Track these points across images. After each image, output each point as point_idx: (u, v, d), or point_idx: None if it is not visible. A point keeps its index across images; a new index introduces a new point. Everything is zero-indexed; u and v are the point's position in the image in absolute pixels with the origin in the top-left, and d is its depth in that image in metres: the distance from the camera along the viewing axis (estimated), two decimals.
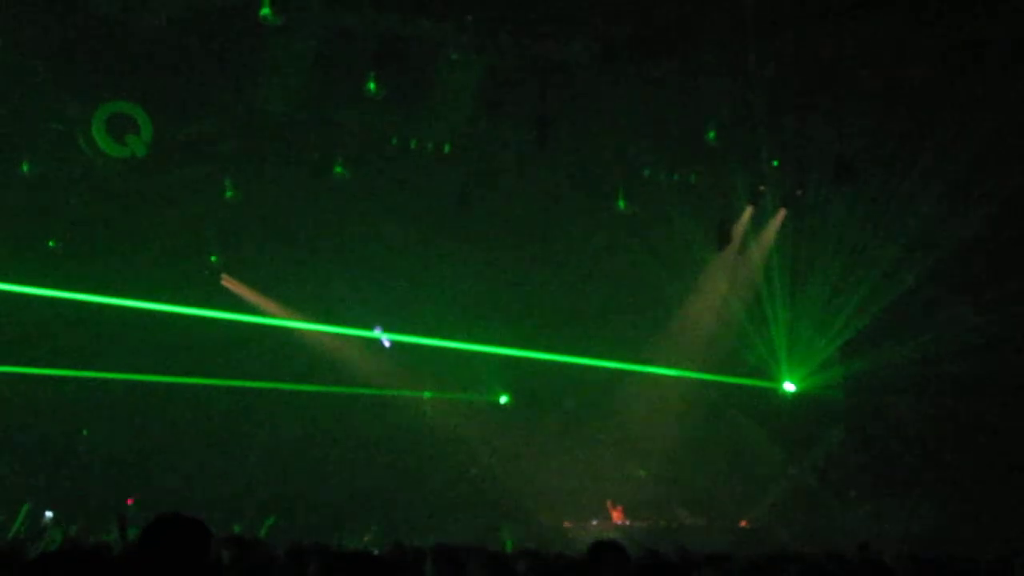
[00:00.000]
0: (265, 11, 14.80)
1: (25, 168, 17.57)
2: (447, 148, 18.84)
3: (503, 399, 24.61)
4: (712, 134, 18.05)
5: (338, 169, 18.82)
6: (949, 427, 20.89)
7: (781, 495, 23.53)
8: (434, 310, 21.95)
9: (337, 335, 22.64)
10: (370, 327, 22.55)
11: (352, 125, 18.21)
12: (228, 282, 21.92)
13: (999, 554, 11.74)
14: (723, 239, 20.70)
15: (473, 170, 19.30)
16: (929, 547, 16.40)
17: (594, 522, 23.15)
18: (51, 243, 20.19)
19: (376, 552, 11.74)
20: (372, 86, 16.80)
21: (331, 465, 22.38)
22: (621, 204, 20.00)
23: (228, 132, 17.98)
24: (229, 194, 19.15)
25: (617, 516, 23.19)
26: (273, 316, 21.87)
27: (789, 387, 23.39)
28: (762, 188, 20.29)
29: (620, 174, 19.67)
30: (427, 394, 23.82)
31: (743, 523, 23.10)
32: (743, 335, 22.78)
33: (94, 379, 20.77)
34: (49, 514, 20.50)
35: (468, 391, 24.06)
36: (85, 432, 21.70)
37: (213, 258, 21.61)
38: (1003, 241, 18.98)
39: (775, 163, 19.16)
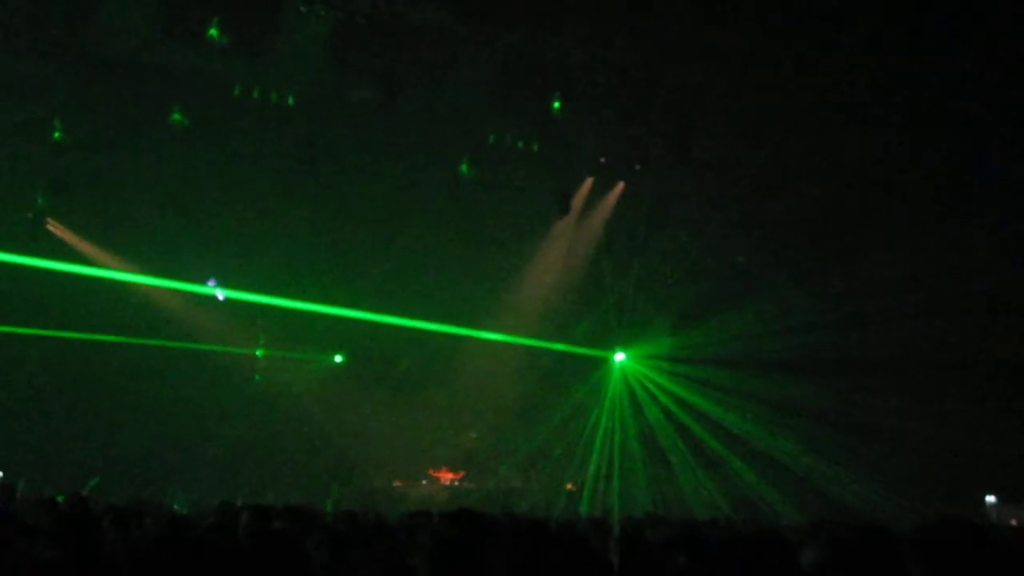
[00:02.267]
0: None
1: None
2: (291, 100, 18.53)
3: (337, 358, 24.48)
4: (557, 104, 18.27)
5: (176, 116, 18.29)
6: (765, 403, 21.82)
7: (606, 460, 24.20)
8: (270, 265, 21.56)
9: (168, 287, 21.98)
10: (204, 280, 22.01)
11: (192, 72, 17.68)
12: (55, 227, 21.02)
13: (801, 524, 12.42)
14: (563, 208, 21.05)
15: (317, 125, 19.02)
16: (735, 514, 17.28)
17: (424, 482, 23.37)
18: None
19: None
20: (214, 32, 16.39)
21: (159, 422, 21.77)
22: (464, 168, 20.10)
23: (61, 72, 17.18)
24: (57, 135, 18.39)
25: (447, 476, 23.46)
26: (101, 265, 21.08)
27: (619, 357, 24.08)
28: (602, 160, 20.66)
29: (465, 139, 19.74)
30: (259, 351, 23.46)
31: (569, 486, 23.69)
32: (579, 304, 23.27)
33: None
34: None
35: (302, 349, 23.80)
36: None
37: (40, 201, 20.65)
38: (831, 221, 19.81)
39: None
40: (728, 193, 20.12)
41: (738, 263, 21.63)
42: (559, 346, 23.75)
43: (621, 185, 21.51)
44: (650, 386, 23.87)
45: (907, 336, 19.02)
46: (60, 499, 12.15)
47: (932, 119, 16.81)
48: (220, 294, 22.42)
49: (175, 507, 14.63)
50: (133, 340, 21.44)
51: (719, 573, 5.74)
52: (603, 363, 24.49)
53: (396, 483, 23.15)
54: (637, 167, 20.73)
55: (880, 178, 18.33)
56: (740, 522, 13.32)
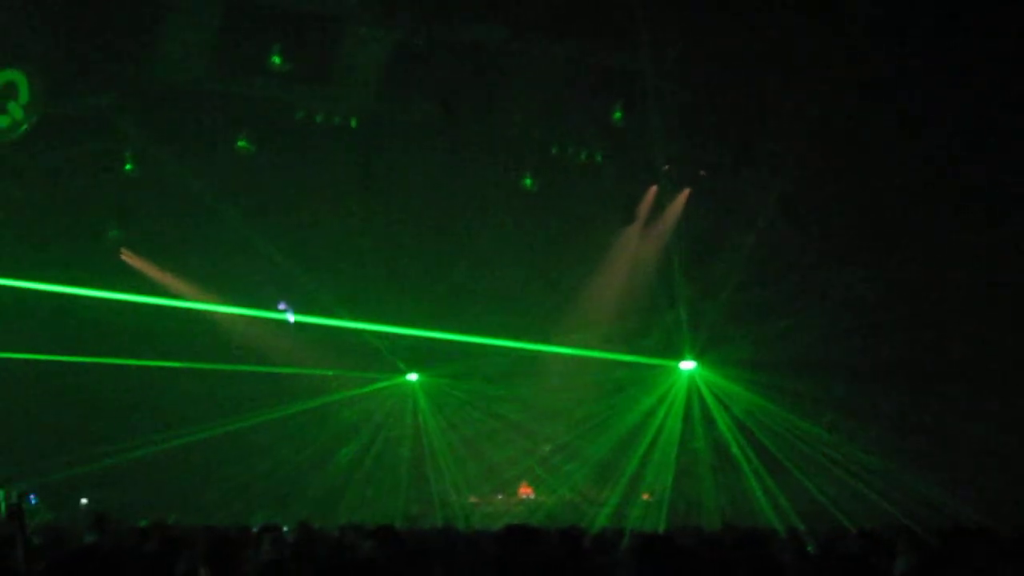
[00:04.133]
0: None
1: None
2: (353, 123, 18.70)
3: (412, 376, 24.58)
4: (618, 113, 18.21)
5: (241, 143, 18.56)
6: (844, 408, 21.47)
7: (682, 469, 23.97)
8: (339, 287, 21.74)
9: (240, 312, 22.27)
10: (274, 304, 22.26)
11: (256, 98, 17.95)
12: (128, 258, 21.42)
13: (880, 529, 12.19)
14: (627, 217, 20.96)
15: (378, 146, 19.17)
16: (818, 523, 16.98)
17: (499, 496, 23.37)
18: None
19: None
20: (276, 59, 16.64)
21: (239, 446, 22.04)
22: (527, 182, 20.11)
23: (127, 105, 17.54)
24: (128, 168, 18.75)
25: (526, 491, 23.43)
26: (175, 293, 21.43)
27: (687, 365, 23.87)
28: (667, 168, 20.52)
29: (526, 152, 19.74)
30: (330, 372, 23.63)
31: (646, 496, 23.50)
32: (646, 314, 23.11)
33: None
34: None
35: (373, 369, 23.95)
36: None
37: (112, 233, 21.06)
38: (904, 220, 19.46)
39: None
40: (796, 195, 19.83)
41: (807, 266, 21.28)
42: (628, 357, 23.58)
43: (686, 192, 21.31)
44: (720, 394, 23.60)
45: (987, 337, 18.61)
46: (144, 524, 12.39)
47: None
48: (291, 317, 22.65)
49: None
50: (205, 366, 21.75)
51: None
52: (672, 372, 24.29)
53: (472, 499, 23.16)
54: (702, 173, 20.56)
55: (956, 174, 17.94)
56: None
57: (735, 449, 23.35)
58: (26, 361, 20.23)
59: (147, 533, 9.11)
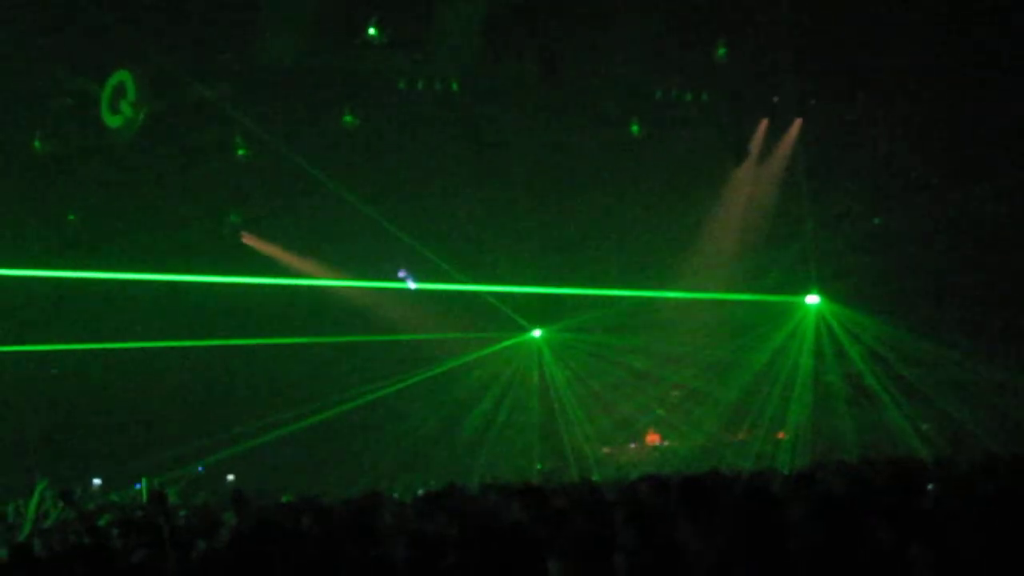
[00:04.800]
0: None
1: (37, 145, 17.57)
2: (454, 86, 18.67)
3: (536, 332, 24.59)
4: (722, 50, 17.77)
5: (347, 118, 18.72)
6: (979, 331, 20.76)
7: (815, 404, 23.57)
8: (456, 251, 21.86)
9: (361, 285, 22.59)
10: (394, 273, 22.53)
11: (357, 72, 18.04)
12: (249, 240, 21.90)
13: None
14: (740, 154, 20.52)
15: (482, 107, 19.11)
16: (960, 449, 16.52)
17: (632, 446, 23.36)
18: (70, 217, 20.21)
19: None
20: (374, 31, 16.67)
21: (371, 417, 22.48)
22: (635, 128, 19.81)
23: (232, 91, 17.82)
24: (241, 152, 19.11)
25: (654, 438, 23.37)
26: (295, 272, 21.85)
27: (813, 299, 23.36)
28: (776, 100, 19.98)
29: (631, 98, 19.44)
30: (455, 335, 23.79)
31: (780, 435, 23.20)
32: (767, 251, 22.67)
33: (130, 350, 20.77)
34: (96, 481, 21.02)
35: (497, 329, 24.04)
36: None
37: (233, 218, 21.56)
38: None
39: None
40: (913, 117, 19.11)
41: (931, 188, 20.54)
42: (751, 296, 23.18)
43: (798, 123, 20.73)
44: (850, 326, 23.07)
45: None
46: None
47: None
48: (412, 284, 22.90)
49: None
50: (336, 339, 22.15)
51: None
52: (798, 308, 23.81)
53: (605, 450, 23.19)
54: (813, 102, 19.95)
55: None
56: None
57: (870, 380, 22.85)
58: (161, 350, 20.92)
59: (297, 509, 9.28)
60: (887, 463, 11.29)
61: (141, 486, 17.63)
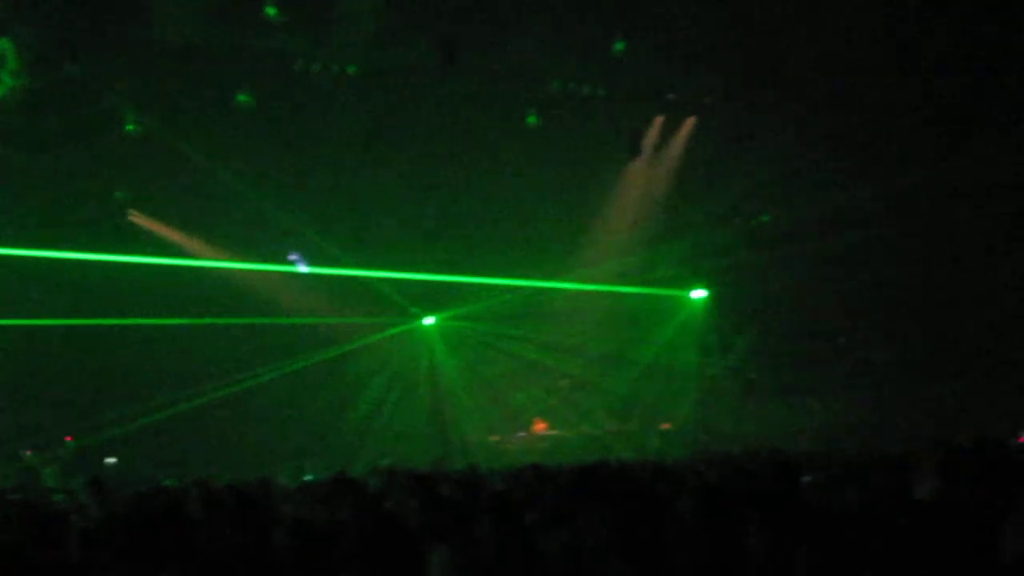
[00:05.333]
0: None
1: None
2: (351, 70, 18.51)
3: (428, 319, 24.58)
4: (620, 45, 17.98)
5: (242, 97, 18.42)
6: (863, 324, 21.49)
7: (700, 397, 24.11)
8: (349, 236, 21.71)
9: (253, 268, 22.25)
10: (285, 256, 22.26)
11: (253, 51, 17.75)
12: (137, 218, 21.38)
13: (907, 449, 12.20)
14: (634, 149, 20.82)
15: (379, 92, 18.99)
16: (840, 443, 17.07)
17: (521, 434, 23.52)
18: None
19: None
20: (272, 11, 16.44)
21: (263, 401, 22.17)
22: (532, 119, 19.94)
23: (125, 66, 17.37)
24: (130, 128, 18.66)
25: (541, 427, 23.58)
26: (185, 252, 21.41)
27: (699, 293, 23.91)
28: (670, 97, 20.31)
29: (529, 89, 19.55)
30: (346, 320, 23.61)
31: (665, 426, 23.66)
32: (658, 245, 23.10)
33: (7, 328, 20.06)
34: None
35: (389, 315, 23.96)
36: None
37: (119, 194, 20.99)
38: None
39: None
40: (805, 117, 19.64)
41: (818, 187, 21.13)
42: (641, 289, 23.60)
43: (692, 120, 21.14)
44: (734, 321, 23.68)
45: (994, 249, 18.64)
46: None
47: None
48: (303, 267, 22.65)
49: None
50: (223, 321, 21.75)
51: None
52: (686, 302, 24.35)
53: (492, 438, 23.33)
54: (707, 100, 20.35)
55: (963, 96, 17.75)
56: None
57: (753, 375, 23.46)
58: (38, 328, 20.29)
59: (180, 493, 9.13)
60: (766, 455, 11.61)
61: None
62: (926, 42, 17.03)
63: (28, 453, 20.14)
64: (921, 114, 18.48)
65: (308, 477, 16.74)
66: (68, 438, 20.67)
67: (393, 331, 24.26)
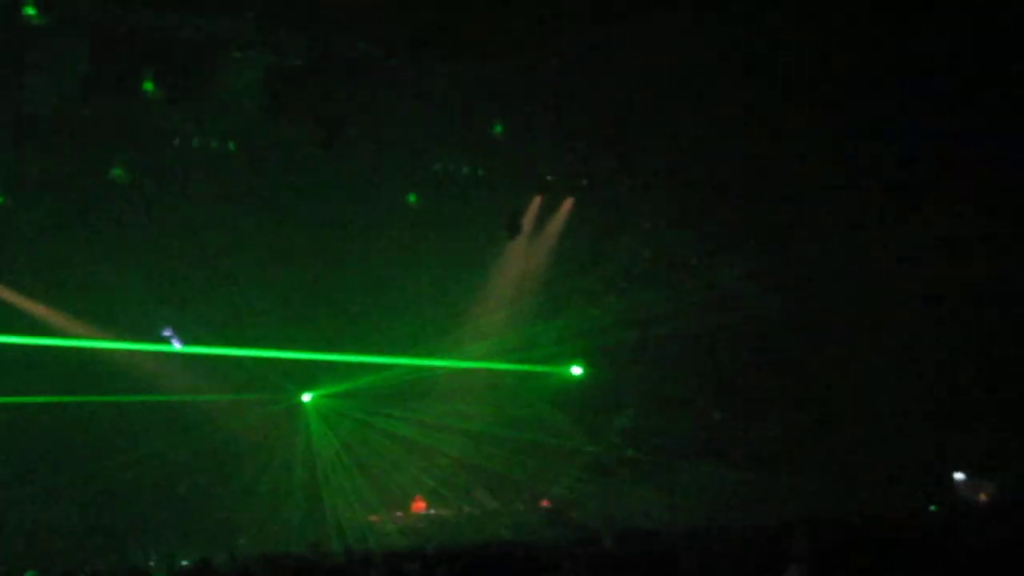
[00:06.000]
0: (30, 10, 14.09)
1: None
2: (232, 147, 18.40)
3: (306, 396, 24.19)
4: (499, 127, 18.34)
5: (117, 171, 18.11)
6: (739, 405, 22.00)
7: (578, 474, 24.22)
8: (224, 312, 21.35)
9: (122, 343, 21.64)
10: (159, 332, 21.74)
11: (130, 125, 17.50)
12: (2, 292, 20.64)
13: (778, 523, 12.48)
14: (513, 229, 21.10)
15: (260, 168, 18.90)
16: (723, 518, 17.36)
17: (399, 513, 23.21)
18: None
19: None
20: (149, 85, 16.28)
21: (128, 481, 21.39)
22: (412, 198, 20.09)
23: None
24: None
25: (420, 506, 23.32)
26: (52, 328, 20.72)
27: (576, 371, 24.19)
28: (549, 178, 20.71)
29: (410, 169, 19.72)
30: (219, 398, 23.06)
31: (545, 503, 23.65)
32: (536, 323, 23.34)
33: None
34: None
35: (264, 391, 23.49)
36: None
37: None
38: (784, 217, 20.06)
39: None
40: (677, 200, 20.28)
41: (689, 266, 21.77)
42: (520, 367, 23.76)
43: (570, 201, 21.59)
44: (611, 400, 23.97)
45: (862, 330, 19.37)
46: None
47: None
48: (177, 344, 22.13)
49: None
50: (89, 399, 21.04)
51: None
52: (565, 377, 24.56)
53: (371, 518, 22.94)
54: (584, 182, 20.83)
55: (828, 173, 18.57)
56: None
57: (630, 453, 23.69)
58: None
59: None
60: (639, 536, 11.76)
61: None
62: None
63: None
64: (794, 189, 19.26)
65: (184, 563, 16.22)
66: None
67: (269, 408, 23.76)
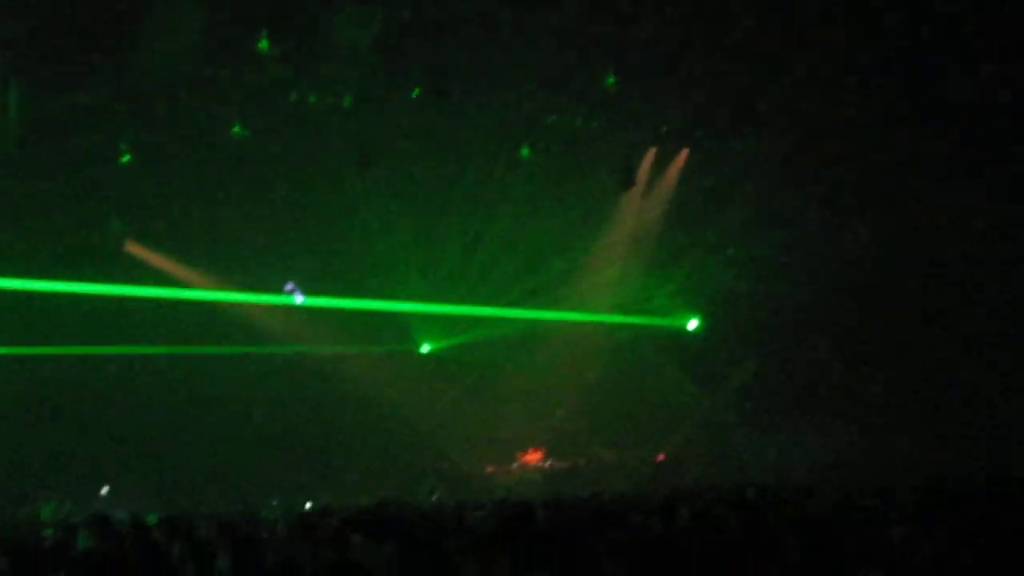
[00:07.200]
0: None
1: None
2: (347, 102, 18.63)
3: (425, 348, 24.50)
4: (611, 79, 18.12)
5: (236, 129, 18.56)
6: (860, 357, 21.49)
7: (695, 428, 24.08)
8: (344, 265, 21.79)
9: (250, 296, 22.31)
10: (281, 287, 22.30)
11: (248, 84, 17.87)
12: (134, 248, 21.44)
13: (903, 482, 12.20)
14: (628, 181, 20.90)
15: (374, 124, 19.11)
16: (836, 476, 17.03)
17: (514, 465, 23.47)
18: None
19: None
20: (264, 44, 16.56)
21: (253, 430, 22.14)
22: (525, 152, 20.06)
23: (119, 98, 17.49)
24: (126, 159, 18.77)
25: (537, 458, 23.53)
26: (182, 281, 21.50)
27: (693, 324, 23.92)
28: (664, 129, 20.41)
29: (523, 123, 19.68)
30: (341, 349, 23.57)
31: (660, 457, 23.62)
32: (651, 275, 23.17)
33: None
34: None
35: (384, 343, 23.91)
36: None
37: (117, 225, 21.07)
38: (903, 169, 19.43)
39: None
40: (794, 153, 19.77)
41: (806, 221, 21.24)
42: (636, 319, 23.66)
43: (685, 152, 21.26)
44: (728, 351, 23.67)
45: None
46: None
47: None
48: (299, 297, 22.66)
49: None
50: (215, 350, 21.80)
51: None
52: (679, 331, 24.33)
53: (488, 469, 23.27)
54: (699, 133, 20.47)
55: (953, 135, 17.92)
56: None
57: (749, 404, 23.43)
58: (38, 358, 20.30)
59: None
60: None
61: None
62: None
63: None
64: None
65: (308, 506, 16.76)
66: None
67: (389, 360, 24.18)
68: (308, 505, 17.15)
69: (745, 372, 23.83)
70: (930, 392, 20.13)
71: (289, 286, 22.49)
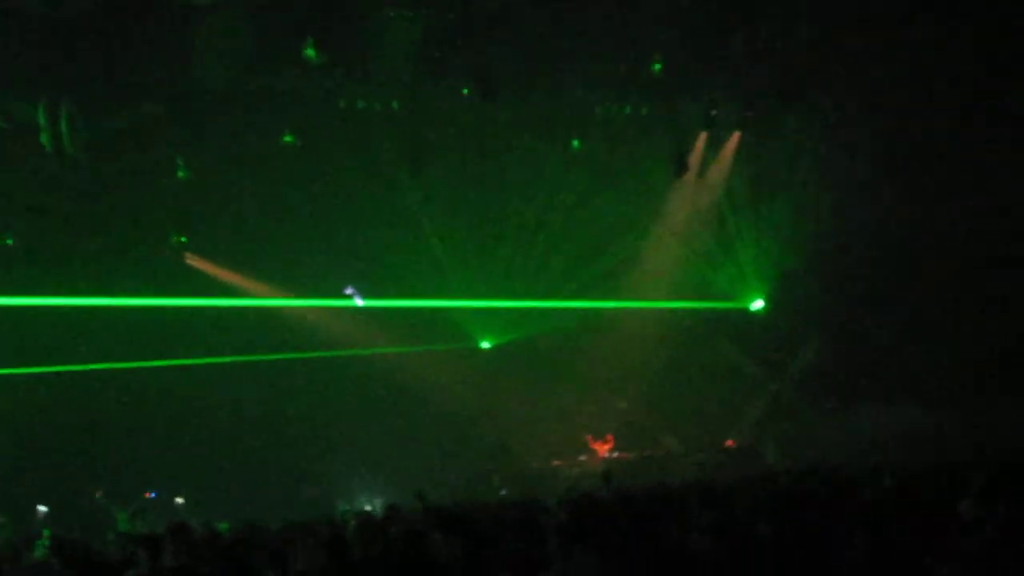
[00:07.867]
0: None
1: None
2: (395, 106, 18.70)
3: (484, 344, 24.52)
4: (658, 65, 17.97)
5: (287, 137, 18.73)
6: (923, 335, 21.12)
7: (763, 412, 23.83)
8: (401, 267, 21.90)
9: (309, 301, 22.54)
10: (340, 291, 22.50)
11: (296, 92, 18.01)
12: (193, 261, 21.77)
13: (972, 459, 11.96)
14: (681, 167, 20.74)
15: (423, 126, 19.18)
16: (904, 454, 16.74)
17: (582, 458, 23.39)
18: (8, 241, 19.96)
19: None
20: (311, 52, 16.66)
21: (323, 434, 22.39)
22: (575, 144, 19.99)
23: (171, 112, 17.72)
24: (182, 174, 19.03)
25: (603, 449, 23.42)
26: (243, 291, 21.77)
27: (758, 304, 23.62)
28: (714, 113, 20.19)
29: (571, 114, 19.60)
30: (403, 350, 23.66)
31: (729, 443, 23.40)
32: (710, 258, 22.98)
33: (76, 374, 20.42)
34: (42, 509, 20.75)
35: (445, 341, 23.97)
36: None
37: (177, 239, 21.41)
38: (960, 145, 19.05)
39: None
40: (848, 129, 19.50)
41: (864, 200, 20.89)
42: (697, 304, 23.46)
43: (737, 135, 21.04)
44: (793, 334, 23.39)
45: None
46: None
47: None
48: (359, 300, 22.82)
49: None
50: (281, 356, 22.06)
51: None
52: (743, 314, 24.03)
53: (555, 462, 23.22)
54: (749, 115, 20.23)
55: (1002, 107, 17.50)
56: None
57: (816, 385, 23.15)
58: (108, 372, 20.67)
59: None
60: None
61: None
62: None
63: (99, 494, 20.55)
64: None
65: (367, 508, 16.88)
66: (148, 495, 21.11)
67: (450, 357, 24.24)
68: (368, 508, 17.30)
69: (809, 352, 23.54)
70: (995, 369, 19.69)
71: (348, 289, 22.68)
